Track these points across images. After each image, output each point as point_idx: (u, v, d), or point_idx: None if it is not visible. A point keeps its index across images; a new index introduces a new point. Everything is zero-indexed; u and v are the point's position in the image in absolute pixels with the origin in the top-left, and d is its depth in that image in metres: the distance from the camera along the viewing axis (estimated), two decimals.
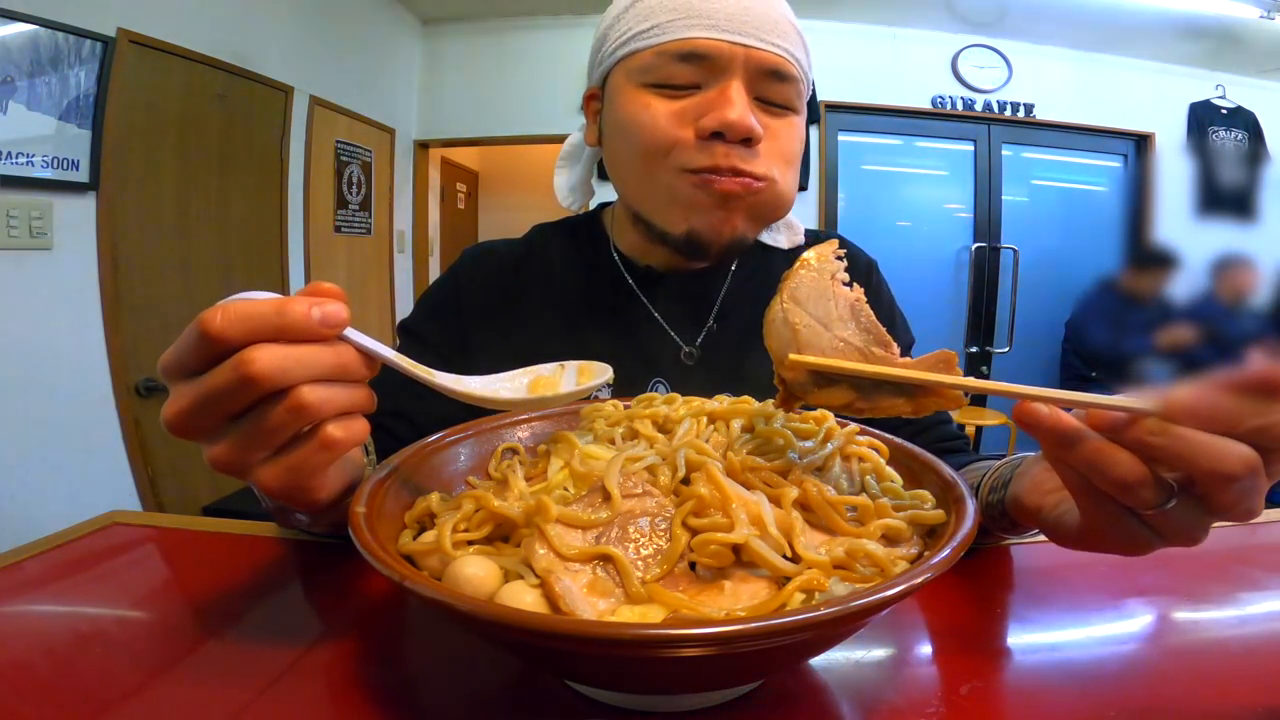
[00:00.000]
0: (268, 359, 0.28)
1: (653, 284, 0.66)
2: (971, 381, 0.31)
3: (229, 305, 0.29)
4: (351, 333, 0.32)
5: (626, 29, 0.57)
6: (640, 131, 0.55)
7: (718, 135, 0.53)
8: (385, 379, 0.64)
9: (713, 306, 0.66)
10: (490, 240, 0.74)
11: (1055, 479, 0.37)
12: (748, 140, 0.53)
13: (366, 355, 0.33)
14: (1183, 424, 0.26)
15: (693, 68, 0.54)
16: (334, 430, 0.31)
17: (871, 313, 0.35)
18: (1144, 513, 0.29)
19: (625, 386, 0.61)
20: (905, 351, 0.70)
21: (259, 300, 0.30)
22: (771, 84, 0.55)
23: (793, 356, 0.33)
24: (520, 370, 0.41)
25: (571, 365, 0.43)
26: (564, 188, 0.72)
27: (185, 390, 0.30)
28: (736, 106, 0.52)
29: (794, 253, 0.72)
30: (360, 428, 0.33)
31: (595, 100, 0.65)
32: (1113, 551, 0.32)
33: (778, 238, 0.71)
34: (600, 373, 0.42)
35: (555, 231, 0.72)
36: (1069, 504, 0.34)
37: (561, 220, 0.74)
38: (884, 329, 0.35)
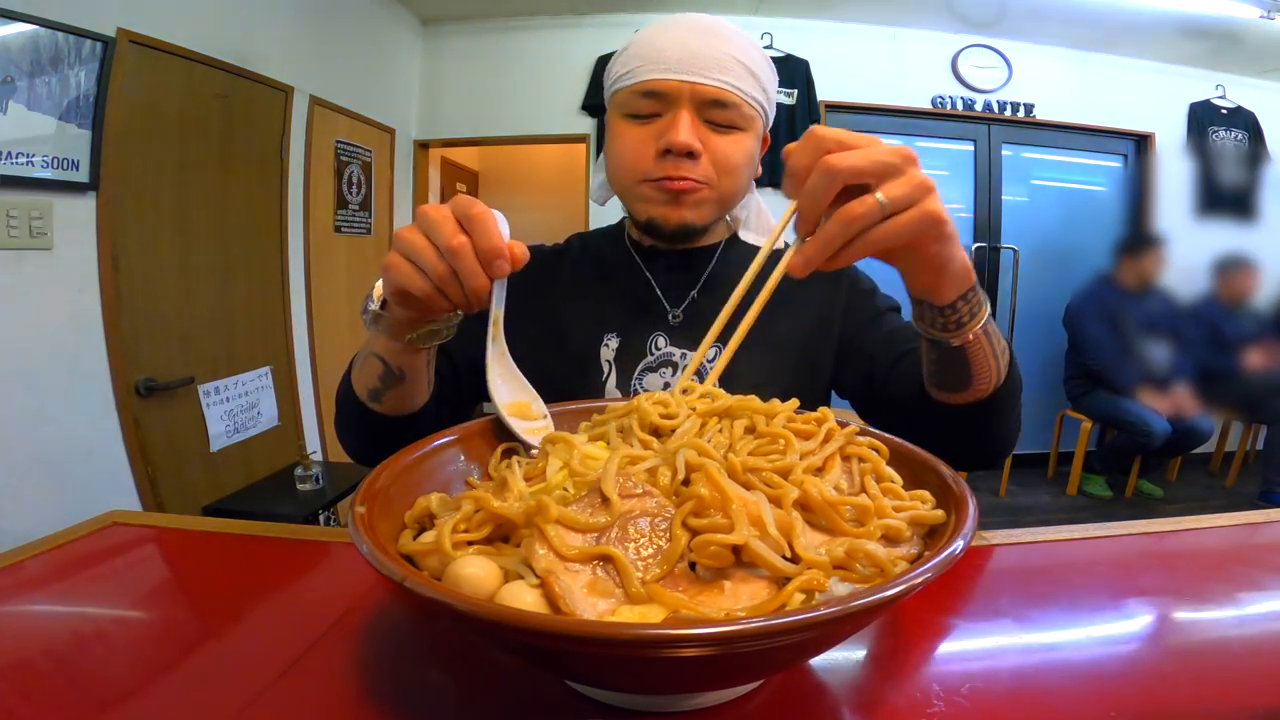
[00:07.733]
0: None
1: (652, 258, 0.83)
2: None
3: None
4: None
5: (616, 71, 0.75)
6: (619, 153, 0.74)
7: (669, 152, 0.70)
8: None
9: (697, 281, 0.81)
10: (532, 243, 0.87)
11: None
12: (691, 154, 0.70)
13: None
14: (809, 174, 0.43)
15: (653, 101, 0.71)
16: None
17: None
18: (884, 221, 0.42)
19: (631, 336, 0.77)
20: (894, 311, 0.81)
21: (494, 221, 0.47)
22: (715, 110, 0.70)
23: None
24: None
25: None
26: (594, 184, 0.89)
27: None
28: (680, 130, 0.69)
29: (776, 254, 0.75)
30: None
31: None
32: (929, 274, 0.49)
33: (760, 238, 0.84)
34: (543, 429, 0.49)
35: (589, 234, 0.92)
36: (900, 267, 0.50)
37: (597, 229, 0.93)
38: None
